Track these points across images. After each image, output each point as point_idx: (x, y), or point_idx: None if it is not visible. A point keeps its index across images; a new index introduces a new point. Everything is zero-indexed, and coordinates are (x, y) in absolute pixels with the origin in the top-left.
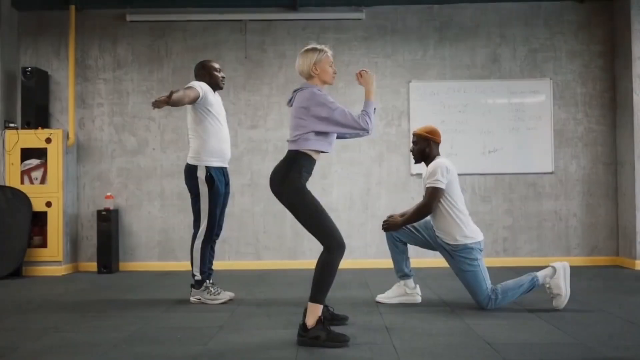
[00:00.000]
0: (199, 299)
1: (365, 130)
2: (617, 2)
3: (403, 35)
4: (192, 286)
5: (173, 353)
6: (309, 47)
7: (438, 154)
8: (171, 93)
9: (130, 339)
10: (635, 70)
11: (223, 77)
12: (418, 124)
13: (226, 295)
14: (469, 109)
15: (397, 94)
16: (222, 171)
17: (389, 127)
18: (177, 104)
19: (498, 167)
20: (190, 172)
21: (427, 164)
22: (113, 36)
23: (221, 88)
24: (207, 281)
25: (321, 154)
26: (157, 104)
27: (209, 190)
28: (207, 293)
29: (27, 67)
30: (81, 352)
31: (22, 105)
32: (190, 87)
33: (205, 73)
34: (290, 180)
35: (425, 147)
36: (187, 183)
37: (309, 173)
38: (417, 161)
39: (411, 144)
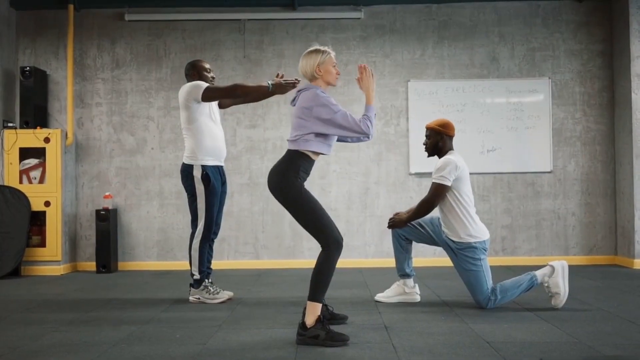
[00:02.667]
0: (198, 299)
1: (366, 135)
2: (615, 2)
3: (402, 34)
4: (191, 285)
5: (172, 352)
6: (312, 48)
7: (451, 148)
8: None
9: (129, 338)
10: (634, 69)
11: (213, 77)
12: (417, 124)
13: (225, 294)
14: (468, 108)
15: (395, 94)
16: (218, 170)
17: (388, 126)
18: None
19: (497, 166)
20: (186, 171)
21: (439, 157)
22: (112, 36)
23: None
24: (206, 280)
25: (320, 155)
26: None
27: (206, 189)
28: (206, 292)
29: (26, 67)
30: (80, 351)
31: (21, 105)
32: (197, 82)
33: (195, 73)
34: (288, 179)
35: (438, 141)
36: (183, 183)
37: (307, 173)
38: (430, 155)
39: (424, 138)
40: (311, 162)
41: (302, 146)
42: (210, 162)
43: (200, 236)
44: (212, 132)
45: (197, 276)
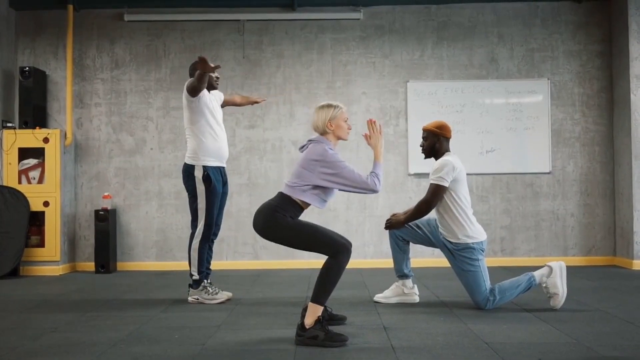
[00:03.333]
0: (197, 299)
1: (374, 192)
2: (614, 3)
3: (401, 35)
4: (190, 286)
5: (171, 353)
6: (324, 103)
7: (448, 150)
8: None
9: (128, 338)
10: (633, 70)
11: (217, 78)
12: (416, 124)
13: (224, 295)
14: (467, 108)
15: (394, 94)
16: (220, 171)
17: (387, 127)
18: (204, 79)
19: (496, 167)
20: (188, 171)
21: (436, 159)
22: (111, 36)
23: (215, 88)
24: (205, 281)
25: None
26: (207, 66)
27: (207, 189)
28: (205, 293)
29: (25, 67)
30: (79, 351)
31: (20, 105)
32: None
33: None
34: (275, 217)
35: (435, 143)
36: (184, 182)
37: (294, 219)
38: (427, 156)
39: (421, 140)
40: (300, 210)
41: (297, 195)
42: (212, 163)
43: (200, 236)
44: (214, 132)
45: (196, 276)
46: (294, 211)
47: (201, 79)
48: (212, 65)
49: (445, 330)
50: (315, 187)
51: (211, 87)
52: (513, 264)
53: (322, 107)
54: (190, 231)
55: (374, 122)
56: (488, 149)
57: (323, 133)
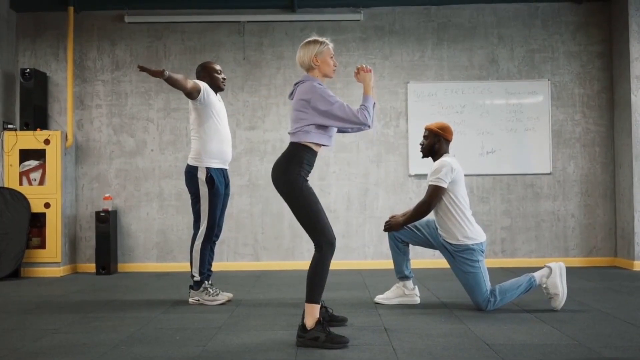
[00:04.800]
0: (198, 300)
1: (365, 125)
2: (614, 3)
3: (401, 36)
4: (191, 287)
5: (172, 354)
6: (311, 39)
7: (447, 152)
8: (164, 70)
9: (129, 340)
10: (633, 71)
11: (224, 79)
12: (416, 125)
13: (225, 296)
14: (467, 109)
15: (395, 95)
16: (222, 172)
17: (387, 128)
18: (174, 82)
19: (496, 168)
20: (191, 173)
21: (434, 160)
22: (111, 37)
23: (222, 89)
24: (206, 282)
25: (323, 147)
26: (147, 70)
27: (209, 191)
28: (206, 294)
29: (26, 69)
30: (80, 353)
31: (21, 107)
32: (193, 80)
33: (205, 74)
34: (291, 172)
35: (434, 143)
36: (187, 184)
37: (311, 165)
38: (425, 156)
39: (422, 138)
40: (314, 153)
41: (303, 138)
42: (215, 165)
43: (202, 238)
44: (219, 135)
45: (197, 277)
46: (308, 157)
47: (171, 84)
48: (155, 69)
49: (446, 332)
50: (317, 126)
51: (218, 88)
52: (514, 265)
53: (309, 42)
54: (192, 232)
55: (362, 65)
56: (488, 149)
57: (309, 69)
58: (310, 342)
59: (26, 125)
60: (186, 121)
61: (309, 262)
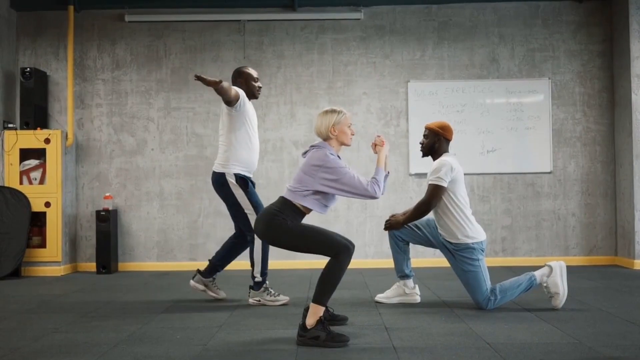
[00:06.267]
0: (259, 300)
1: (374, 198)
2: (615, 2)
3: (401, 35)
4: (251, 288)
5: (173, 353)
6: (328, 109)
7: (447, 151)
8: (221, 81)
9: (129, 339)
10: (634, 69)
11: (260, 87)
12: (417, 124)
13: (284, 298)
14: (468, 108)
15: (395, 94)
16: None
17: (388, 127)
18: (223, 92)
19: (496, 167)
20: (220, 180)
21: (434, 159)
22: (112, 37)
23: (256, 98)
24: (267, 282)
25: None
26: (203, 79)
27: (245, 191)
28: (267, 294)
29: (26, 68)
30: (81, 352)
31: (21, 106)
32: (234, 88)
33: (242, 81)
34: (274, 223)
35: (435, 142)
36: (220, 193)
37: (293, 223)
38: (425, 155)
39: (422, 137)
40: (301, 215)
41: (297, 199)
42: (242, 172)
43: (261, 242)
44: (250, 144)
45: (258, 278)
46: (294, 216)
47: (218, 93)
48: (211, 79)
49: (447, 331)
50: (316, 192)
51: (252, 96)
52: (514, 263)
53: (326, 112)
54: (237, 237)
55: (380, 136)
56: (489, 148)
57: (326, 139)
58: (311, 341)
59: (26, 125)
60: (186, 120)
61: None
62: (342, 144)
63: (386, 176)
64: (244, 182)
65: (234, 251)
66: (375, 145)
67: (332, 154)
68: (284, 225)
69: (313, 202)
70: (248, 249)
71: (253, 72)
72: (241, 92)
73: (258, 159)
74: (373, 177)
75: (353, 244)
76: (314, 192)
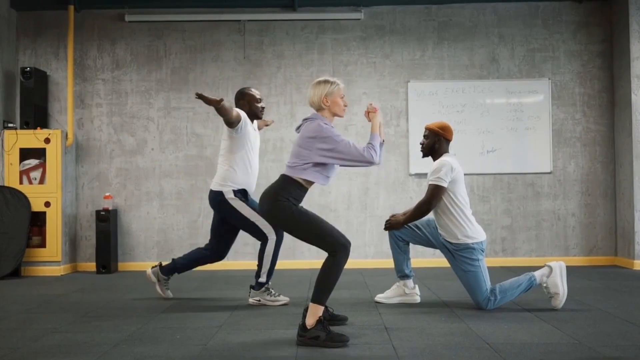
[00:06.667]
0: (259, 300)
1: (371, 164)
2: (615, 3)
3: (401, 35)
4: (252, 287)
5: (173, 353)
6: (321, 79)
7: (447, 152)
8: (222, 99)
9: (129, 339)
10: (634, 70)
11: (263, 108)
12: (417, 124)
13: (284, 298)
14: (468, 108)
15: (395, 94)
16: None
17: (388, 127)
18: (224, 112)
19: (496, 167)
20: (217, 198)
21: (434, 160)
22: (112, 36)
23: (259, 118)
24: (269, 283)
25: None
26: (204, 98)
27: (245, 202)
28: (268, 294)
29: (26, 68)
30: (81, 352)
31: (21, 106)
32: (235, 109)
33: (245, 103)
34: (278, 203)
35: (435, 143)
36: (221, 213)
37: (299, 201)
38: (425, 155)
39: (422, 137)
40: (303, 190)
41: (298, 174)
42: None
43: (273, 242)
44: (249, 166)
45: (263, 279)
46: (297, 192)
47: (219, 113)
48: (212, 98)
49: (447, 331)
50: (316, 164)
51: (255, 116)
52: (514, 264)
53: (319, 82)
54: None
55: (372, 104)
56: (489, 149)
57: (319, 109)
58: (311, 341)
59: (26, 124)
60: (186, 120)
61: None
62: (335, 115)
63: (381, 143)
64: (242, 192)
65: (201, 262)
66: (368, 112)
67: (325, 124)
68: (288, 209)
69: (314, 174)
70: (259, 248)
71: (256, 93)
72: (243, 114)
73: (256, 182)
74: (369, 143)
75: (349, 242)
76: (313, 164)
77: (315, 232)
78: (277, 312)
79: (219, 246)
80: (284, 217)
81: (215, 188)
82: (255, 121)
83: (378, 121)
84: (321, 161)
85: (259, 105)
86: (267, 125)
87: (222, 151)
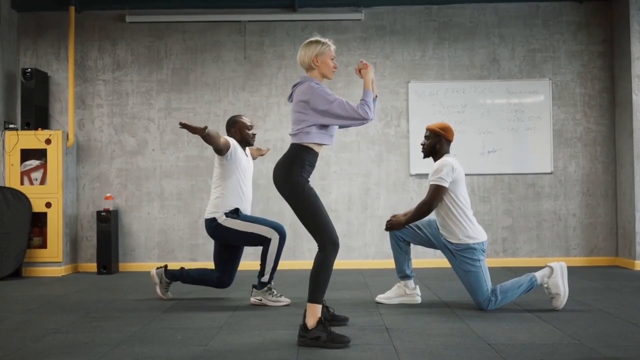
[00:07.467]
0: (260, 300)
1: (366, 120)
2: (615, 3)
3: (402, 35)
4: (254, 287)
5: (173, 354)
6: (312, 39)
7: (448, 152)
8: (206, 127)
9: (130, 339)
10: (634, 70)
11: (254, 135)
12: (417, 125)
13: (286, 299)
14: (468, 109)
15: (396, 95)
16: None
17: (388, 127)
18: (210, 140)
19: (497, 168)
20: (211, 224)
21: (435, 160)
22: (112, 37)
23: (250, 145)
24: (271, 283)
25: (322, 150)
26: (188, 127)
27: (239, 217)
28: (270, 294)
29: (27, 68)
30: (82, 352)
31: (22, 106)
32: (224, 137)
33: (236, 130)
34: (292, 174)
35: (436, 143)
36: (217, 237)
37: (312, 166)
38: (426, 156)
39: (423, 138)
40: (315, 154)
41: (304, 139)
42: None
43: (276, 243)
44: (242, 193)
45: (265, 279)
46: (310, 158)
47: (205, 141)
48: (196, 126)
49: (447, 331)
50: (318, 126)
51: (246, 143)
52: (515, 264)
53: (310, 42)
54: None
55: (362, 61)
56: (489, 149)
57: (308, 69)
58: (312, 341)
59: (27, 125)
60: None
61: (310, 261)
62: (324, 76)
63: (374, 99)
64: (234, 210)
65: (206, 283)
66: (360, 70)
67: (317, 84)
68: (300, 184)
69: (319, 136)
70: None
71: (247, 121)
72: (232, 142)
73: (250, 208)
74: (362, 100)
75: (339, 243)
76: (316, 126)
77: (313, 217)
78: (277, 313)
79: (222, 277)
80: (294, 191)
81: (209, 216)
82: (248, 149)
83: (370, 77)
84: (319, 122)
85: (250, 132)
86: (262, 154)
87: (214, 178)
